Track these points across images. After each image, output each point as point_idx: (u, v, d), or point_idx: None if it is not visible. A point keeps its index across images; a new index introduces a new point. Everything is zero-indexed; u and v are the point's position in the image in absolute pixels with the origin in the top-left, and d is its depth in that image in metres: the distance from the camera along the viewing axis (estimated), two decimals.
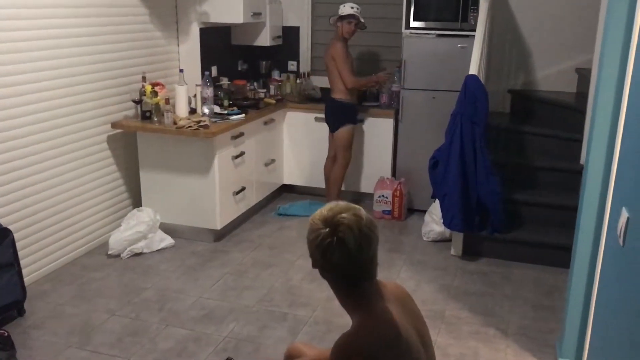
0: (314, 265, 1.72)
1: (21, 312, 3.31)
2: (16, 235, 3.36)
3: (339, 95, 4.66)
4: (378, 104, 5.07)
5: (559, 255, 3.93)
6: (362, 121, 4.99)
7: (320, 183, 5.11)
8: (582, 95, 4.59)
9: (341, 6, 4.60)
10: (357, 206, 1.68)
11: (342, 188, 4.92)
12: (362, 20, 4.59)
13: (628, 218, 1.71)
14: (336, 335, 3.30)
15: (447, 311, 3.49)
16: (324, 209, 1.66)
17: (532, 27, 5.06)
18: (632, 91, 1.94)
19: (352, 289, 1.69)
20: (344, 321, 3.32)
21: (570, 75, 5.02)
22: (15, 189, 3.49)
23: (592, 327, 2.39)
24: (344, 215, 1.61)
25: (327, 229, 1.60)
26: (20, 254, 3.37)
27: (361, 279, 1.67)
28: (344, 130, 4.69)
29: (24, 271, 3.43)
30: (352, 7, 4.56)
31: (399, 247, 4.42)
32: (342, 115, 4.70)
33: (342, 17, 4.57)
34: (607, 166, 2.44)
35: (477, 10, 4.51)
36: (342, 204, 1.68)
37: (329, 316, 3.41)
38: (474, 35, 4.25)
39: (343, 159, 4.75)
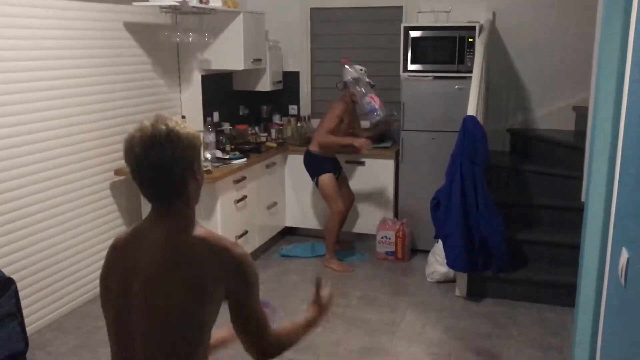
0: None
1: None
2: (18, 285, 3.35)
3: (313, 147, 4.68)
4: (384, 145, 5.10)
5: (563, 293, 3.91)
6: (362, 163, 5.02)
7: (321, 225, 5.12)
8: (580, 132, 4.63)
9: (346, 69, 4.60)
10: (177, 121, 1.59)
11: (344, 230, 4.91)
12: (368, 80, 4.58)
13: (628, 258, 1.71)
14: None
15: (454, 354, 3.45)
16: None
17: (528, 67, 5.13)
18: (627, 130, 1.97)
19: (149, 200, 1.63)
20: None
21: (568, 113, 5.07)
22: (17, 238, 3.50)
23: None
24: (150, 122, 1.56)
25: (135, 131, 1.56)
26: (22, 303, 3.36)
27: (143, 191, 1.60)
28: (321, 180, 4.64)
29: (26, 321, 3.41)
30: (361, 70, 4.56)
31: (403, 288, 4.39)
32: (313, 166, 4.70)
33: (347, 83, 4.58)
34: (607, 204, 2.44)
35: (473, 53, 4.59)
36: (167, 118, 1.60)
37: None
38: (471, 77, 4.31)
39: (332, 208, 4.67)
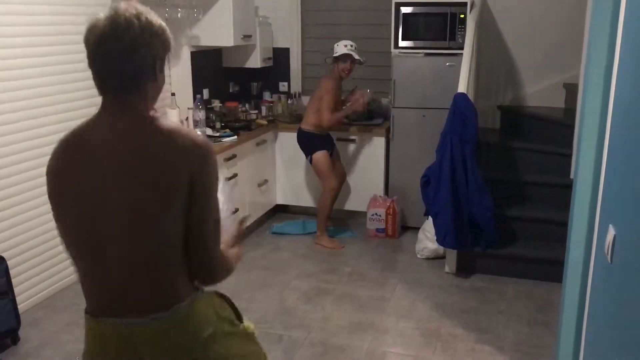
0: None
1: (15, 340, 3.30)
2: (10, 263, 3.35)
3: (308, 126, 4.66)
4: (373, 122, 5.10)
5: (551, 269, 3.95)
6: (354, 140, 5.03)
7: (312, 202, 5.14)
8: (570, 110, 4.65)
9: (335, 45, 4.58)
10: (136, 11, 1.47)
11: (335, 207, 4.92)
12: (358, 57, 4.55)
13: (615, 235, 1.73)
14: (332, 357, 3.30)
15: (443, 329, 3.49)
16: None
17: (519, 44, 5.13)
18: (616, 108, 1.98)
19: (101, 92, 1.50)
20: (341, 341, 3.34)
21: (559, 90, 5.08)
22: (7, 217, 3.49)
23: (584, 343, 2.40)
24: (122, 3, 1.47)
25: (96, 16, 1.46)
26: (13, 281, 3.37)
27: (97, 82, 1.48)
28: (316, 158, 4.65)
29: (18, 298, 3.42)
30: (346, 46, 4.52)
31: (393, 265, 4.43)
32: (308, 144, 4.70)
33: (337, 58, 4.55)
34: (595, 182, 2.46)
35: (464, 29, 4.58)
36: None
37: (324, 337, 3.41)
38: (462, 54, 4.30)
39: (325, 186, 4.70)
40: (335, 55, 4.56)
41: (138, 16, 1.45)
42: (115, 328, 1.52)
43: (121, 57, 1.44)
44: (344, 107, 4.71)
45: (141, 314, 1.50)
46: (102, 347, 1.57)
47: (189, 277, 1.56)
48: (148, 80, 1.49)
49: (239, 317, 1.79)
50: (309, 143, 4.69)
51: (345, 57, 4.53)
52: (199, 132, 4.37)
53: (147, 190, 1.44)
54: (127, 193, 1.44)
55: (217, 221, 1.56)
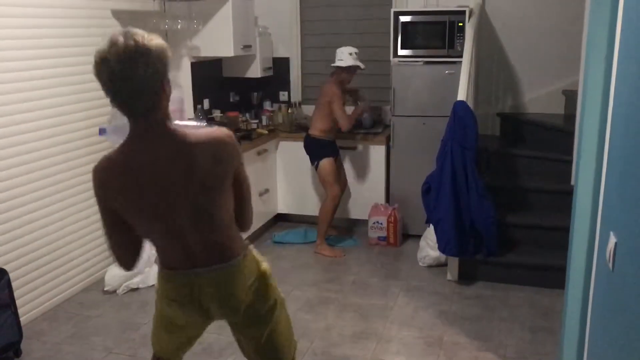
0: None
1: (18, 353, 3.30)
2: (11, 275, 3.35)
3: (317, 132, 4.68)
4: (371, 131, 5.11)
5: (553, 276, 3.94)
6: (354, 148, 5.03)
7: (313, 211, 5.13)
8: (570, 116, 4.65)
9: (338, 51, 4.56)
10: (144, 34, 1.70)
11: (336, 216, 4.92)
12: (362, 65, 4.59)
13: (616, 243, 1.73)
14: None
15: (445, 337, 3.49)
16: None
17: (518, 51, 5.14)
18: (615, 114, 1.98)
19: (127, 117, 1.77)
20: (343, 351, 3.33)
21: (558, 97, 5.09)
22: (9, 229, 3.49)
23: (587, 350, 2.39)
24: (120, 37, 1.66)
25: (106, 46, 1.66)
26: (15, 293, 3.36)
27: (122, 109, 1.73)
28: (322, 164, 4.67)
29: (20, 311, 3.42)
30: (351, 54, 4.52)
31: (395, 273, 4.43)
32: (315, 150, 4.72)
33: (342, 67, 4.55)
34: (595, 188, 2.46)
35: (463, 37, 4.59)
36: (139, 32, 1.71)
37: (327, 347, 3.40)
38: (461, 62, 4.32)
39: (329, 193, 4.70)
40: (340, 65, 4.55)
41: (137, 48, 1.66)
42: (187, 277, 1.95)
43: (136, 91, 1.70)
44: (356, 107, 4.79)
45: (206, 264, 1.93)
46: (177, 292, 1.99)
47: (239, 234, 2.01)
48: (161, 96, 1.76)
49: None
50: (317, 149, 4.71)
51: (353, 69, 4.56)
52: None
53: (200, 192, 1.82)
54: (185, 198, 1.82)
55: (249, 184, 2.02)
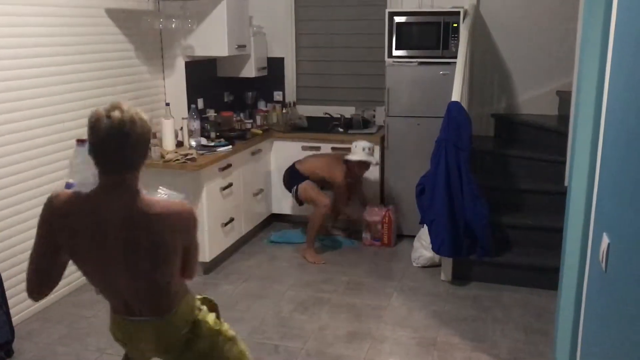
0: None
1: (10, 353, 3.28)
2: (3, 275, 3.33)
3: (305, 171, 4.66)
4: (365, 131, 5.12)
5: (547, 277, 3.96)
6: (349, 149, 5.02)
7: (308, 211, 5.12)
8: (564, 117, 4.67)
9: (354, 145, 4.62)
10: (135, 110, 1.83)
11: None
12: (373, 160, 4.64)
13: (609, 244, 1.74)
14: None
15: (439, 337, 3.49)
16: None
17: (512, 52, 5.15)
18: (609, 115, 1.99)
19: (99, 169, 1.86)
20: (337, 351, 3.33)
21: (552, 98, 5.10)
22: (1, 228, 3.47)
23: (580, 350, 2.40)
24: (115, 111, 1.78)
25: (102, 113, 1.79)
26: (7, 293, 3.34)
27: (101, 166, 1.83)
28: (301, 187, 4.63)
29: (12, 311, 3.39)
30: (364, 149, 4.57)
31: (389, 273, 4.43)
32: (292, 180, 4.72)
33: (353, 161, 4.59)
34: (589, 189, 2.47)
35: (457, 38, 4.60)
36: (129, 108, 1.82)
37: (321, 347, 3.40)
38: (455, 62, 4.32)
39: (319, 204, 4.58)
40: (353, 159, 4.58)
41: (132, 119, 1.79)
42: (124, 321, 2.03)
43: (121, 154, 1.81)
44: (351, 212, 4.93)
45: (141, 315, 1.99)
46: (117, 332, 2.09)
47: (178, 287, 2.04)
48: (142, 162, 1.88)
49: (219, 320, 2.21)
50: (296, 178, 4.68)
51: (363, 165, 4.61)
52: (193, 143, 4.41)
53: (145, 257, 1.88)
54: (126, 260, 1.87)
55: (197, 246, 2.06)
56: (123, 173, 1.85)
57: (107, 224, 1.85)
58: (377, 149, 4.98)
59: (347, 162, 4.62)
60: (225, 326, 2.19)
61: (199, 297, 2.20)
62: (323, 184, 4.67)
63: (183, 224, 1.92)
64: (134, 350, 2.12)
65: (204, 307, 2.16)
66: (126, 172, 1.85)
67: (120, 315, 2.03)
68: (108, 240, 1.86)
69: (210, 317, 2.15)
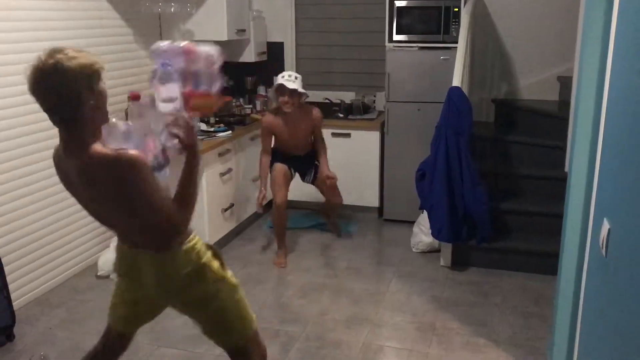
0: None
1: (10, 337, 3.29)
2: (4, 260, 3.34)
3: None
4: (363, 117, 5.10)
5: (546, 262, 3.97)
6: (348, 135, 5.01)
7: (307, 197, 5.12)
8: (564, 103, 4.65)
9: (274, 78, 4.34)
10: (69, 52, 1.80)
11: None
12: (299, 89, 4.17)
13: (609, 229, 1.73)
14: (329, 351, 3.30)
15: (438, 322, 3.50)
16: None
17: (513, 37, 5.12)
18: (610, 101, 1.98)
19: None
20: (337, 336, 3.34)
21: (553, 83, 5.08)
22: (1, 213, 3.47)
23: (579, 335, 2.41)
24: (42, 55, 1.80)
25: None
26: (8, 278, 3.35)
27: (48, 113, 1.85)
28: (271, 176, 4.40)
29: (13, 295, 3.41)
30: (283, 77, 4.16)
31: (388, 259, 4.44)
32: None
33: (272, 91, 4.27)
34: (589, 175, 2.47)
35: (458, 23, 4.57)
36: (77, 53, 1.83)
37: (321, 332, 3.41)
38: (456, 47, 4.30)
39: (274, 207, 4.34)
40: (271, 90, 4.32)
41: (55, 68, 1.76)
42: (128, 251, 2.14)
43: (51, 107, 1.83)
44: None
45: (143, 247, 2.08)
46: (121, 264, 2.21)
47: (176, 228, 2.04)
48: (80, 111, 1.83)
49: (223, 267, 2.22)
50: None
51: (282, 89, 4.15)
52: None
53: (112, 206, 1.93)
54: (102, 207, 2.00)
55: (157, 189, 1.93)
56: (65, 126, 1.87)
57: (71, 178, 1.95)
58: (377, 134, 4.97)
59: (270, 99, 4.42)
60: (229, 273, 2.23)
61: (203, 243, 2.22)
62: (280, 139, 4.40)
63: (119, 173, 1.83)
64: (135, 285, 2.17)
65: (208, 253, 2.18)
66: (66, 124, 1.86)
67: (125, 245, 2.14)
68: (79, 191, 1.98)
69: (215, 263, 2.17)
